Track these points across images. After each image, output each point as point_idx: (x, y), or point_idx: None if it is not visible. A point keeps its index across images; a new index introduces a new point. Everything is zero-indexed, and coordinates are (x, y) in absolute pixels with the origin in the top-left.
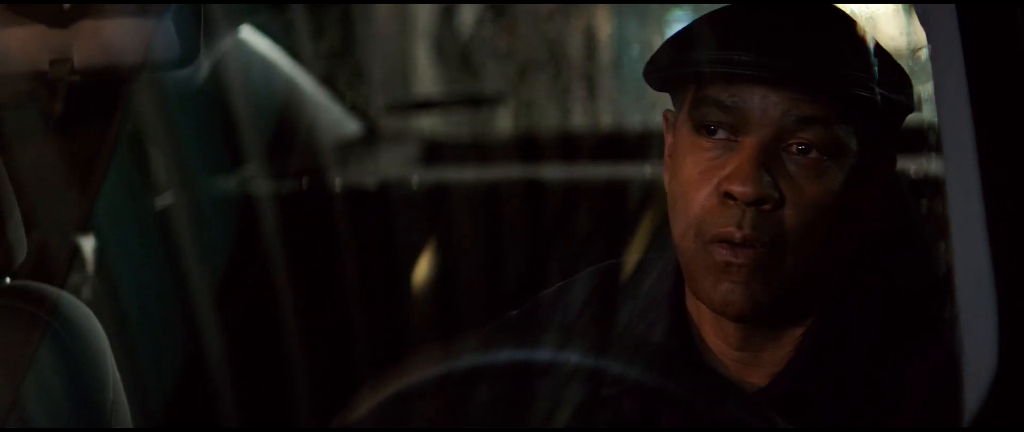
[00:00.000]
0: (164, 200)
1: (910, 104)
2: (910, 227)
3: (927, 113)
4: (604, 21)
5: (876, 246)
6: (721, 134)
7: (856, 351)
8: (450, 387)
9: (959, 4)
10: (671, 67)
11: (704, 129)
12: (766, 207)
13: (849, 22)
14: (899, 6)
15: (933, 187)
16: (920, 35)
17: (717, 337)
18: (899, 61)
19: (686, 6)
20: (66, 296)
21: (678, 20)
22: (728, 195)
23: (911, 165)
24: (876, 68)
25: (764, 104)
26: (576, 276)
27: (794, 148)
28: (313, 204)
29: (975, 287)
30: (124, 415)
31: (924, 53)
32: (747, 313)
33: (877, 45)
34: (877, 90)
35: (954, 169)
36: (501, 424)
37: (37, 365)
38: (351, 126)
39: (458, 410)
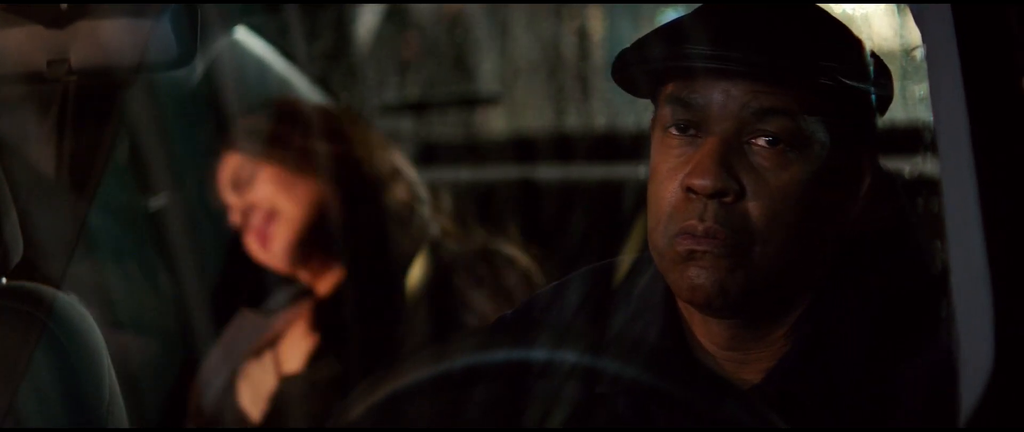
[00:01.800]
0: (159, 201)
1: (887, 96)
2: (906, 227)
3: (922, 113)
4: (597, 22)
5: (871, 245)
6: (686, 131)
7: (850, 349)
8: (446, 387)
9: (954, 4)
10: (632, 65)
11: (671, 128)
12: (727, 199)
13: (820, 16)
14: (893, 6)
15: (929, 187)
16: (914, 35)
17: (706, 338)
18: (888, 58)
19: (678, 6)
20: (62, 297)
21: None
22: (690, 189)
23: (907, 165)
24: (846, 59)
25: (724, 99)
26: (570, 275)
27: (756, 140)
28: None
29: (971, 286)
30: (120, 415)
31: (919, 53)
32: (715, 300)
33: (849, 37)
34: (846, 81)
35: (950, 169)
36: (497, 423)
37: (33, 365)
38: None
39: (454, 410)
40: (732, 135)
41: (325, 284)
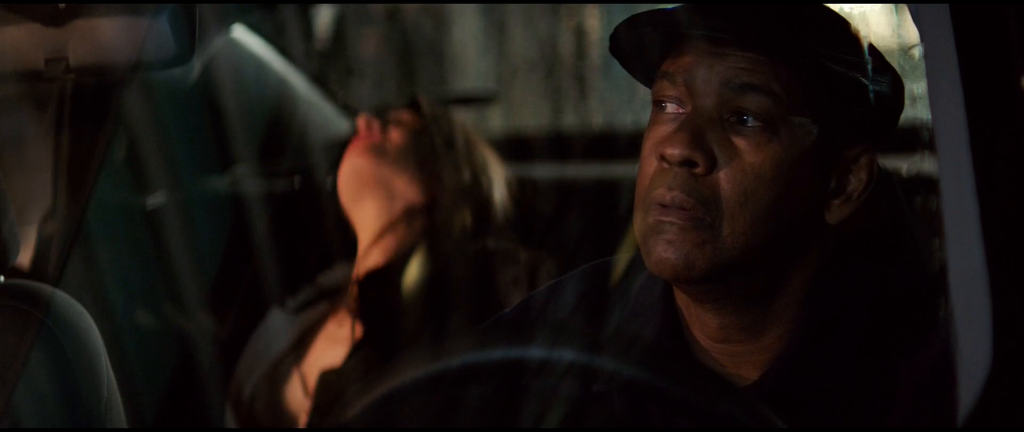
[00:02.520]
0: (156, 199)
1: (891, 97)
2: (904, 225)
3: (921, 111)
4: (594, 20)
5: (869, 243)
6: (671, 108)
7: (848, 348)
8: (443, 386)
9: (952, 3)
10: (626, 38)
11: (659, 104)
12: (697, 170)
13: (820, 9)
14: (890, 5)
15: (927, 185)
16: (912, 33)
17: (700, 331)
18: (885, 56)
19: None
20: (60, 294)
21: None
22: (662, 157)
23: (905, 163)
24: (838, 51)
25: (708, 74)
26: (568, 274)
27: (735, 117)
28: (305, 203)
29: (969, 285)
30: (118, 413)
31: (917, 51)
32: (682, 273)
33: (847, 33)
34: (835, 67)
35: (948, 167)
36: (494, 423)
37: (31, 364)
38: (343, 125)
39: (451, 409)
40: (712, 109)
41: (369, 257)
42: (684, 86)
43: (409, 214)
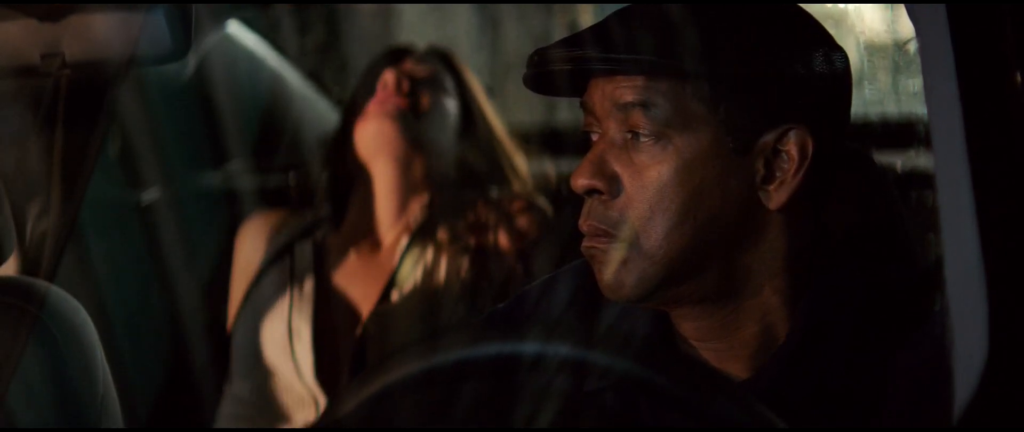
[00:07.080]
0: (151, 195)
1: (816, 75)
2: (898, 222)
3: (916, 107)
4: (588, 15)
5: (862, 241)
6: (594, 137)
7: (843, 346)
8: (435, 381)
9: (949, 2)
10: (533, 74)
11: (587, 134)
12: (603, 196)
13: (715, 12)
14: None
15: (923, 181)
16: (907, 29)
17: (683, 330)
18: (881, 53)
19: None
20: (55, 290)
21: None
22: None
23: (900, 159)
24: (730, 55)
25: (603, 99)
26: (561, 269)
27: (631, 135)
28: (299, 200)
29: (966, 282)
30: (114, 409)
31: (912, 47)
32: (617, 292)
33: (734, 28)
34: (724, 72)
35: (944, 163)
36: (486, 419)
37: (26, 359)
38: (336, 121)
39: (444, 405)
40: (615, 132)
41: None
42: (594, 115)
43: (421, 186)
